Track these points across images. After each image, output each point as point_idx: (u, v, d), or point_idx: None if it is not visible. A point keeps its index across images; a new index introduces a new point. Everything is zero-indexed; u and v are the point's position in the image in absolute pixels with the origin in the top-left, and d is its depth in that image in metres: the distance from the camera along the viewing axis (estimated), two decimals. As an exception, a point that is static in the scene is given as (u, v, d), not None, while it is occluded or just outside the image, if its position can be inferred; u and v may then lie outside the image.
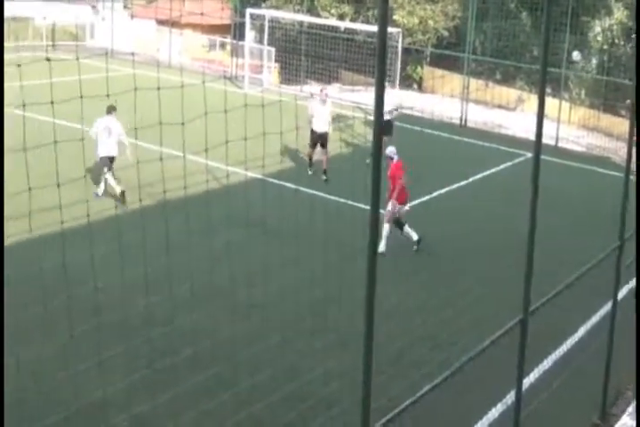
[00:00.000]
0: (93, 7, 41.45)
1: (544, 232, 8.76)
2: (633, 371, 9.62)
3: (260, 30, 34.12)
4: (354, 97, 29.82)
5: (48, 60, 6.14)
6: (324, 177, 19.31)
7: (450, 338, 11.14)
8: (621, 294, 10.64)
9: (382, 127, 4.64)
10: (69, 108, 7.75)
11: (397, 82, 28.61)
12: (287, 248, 13.74)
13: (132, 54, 31.84)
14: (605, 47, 29.57)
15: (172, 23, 36.40)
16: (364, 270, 4.80)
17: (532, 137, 7.18)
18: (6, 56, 11.20)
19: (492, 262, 14.50)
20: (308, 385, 9.97)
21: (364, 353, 5.14)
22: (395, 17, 31.80)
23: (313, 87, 30.89)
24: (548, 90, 25.84)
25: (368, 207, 4.77)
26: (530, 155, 18.99)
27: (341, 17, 33.98)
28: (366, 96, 29.53)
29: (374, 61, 4.82)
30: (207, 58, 37.08)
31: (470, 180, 20.58)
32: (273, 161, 16.16)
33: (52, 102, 7.39)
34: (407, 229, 15.39)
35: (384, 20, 4.78)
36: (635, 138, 9.62)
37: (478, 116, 28.64)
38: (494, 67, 32.18)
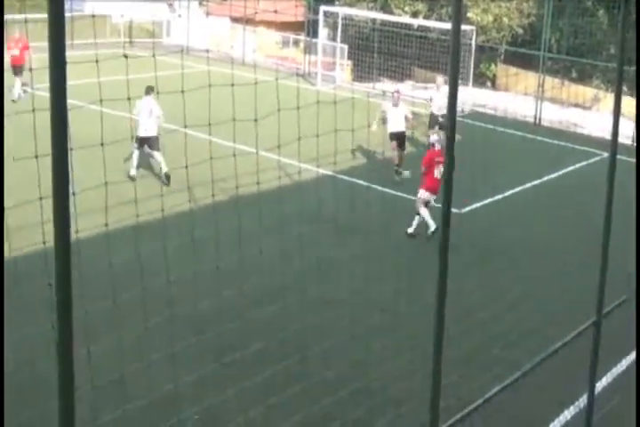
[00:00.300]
0: (170, 5, 42.07)
1: (620, 233, 8.62)
2: None
3: (334, 28, 34.17)
4: (427, 94, 29.64)
5: (125, 56, 6.24)
6: (401, 173, 19.25)
7: (521, 338, 11.01)
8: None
9: (440, 123, 4.63)
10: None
11: (471, 79, 28.40)
12: (358, 244, 13.74)
13: (207, 51, 32.20)
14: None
15: (247, 20, 36.70)
16: (435, 266, 4.78)
17: (608, 136, 7.08)
18: (85, 52, 11.42)
19: (567, 263, 14.29)
20: (376, 382, 9.96)
21: (433, 352, 5.13)
22: (469, 14, 31.55)
23: (385, 85, 30.83)
24: (625, 88, 25.36)
25: (439, 205, 4.76)
26: (606, 154, 18.74)
27: (415, 14, 33.84)
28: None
29: (447, 59, 4.80)
30: (280, 55, 37.27)
31: (545, 179, 20.32)
32: (344, 158, 16.18)
33: (128, 99, 7.52)
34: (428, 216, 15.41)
35: (458, 17, 4.76)
36: None
37: (553, 115, 28.24)
38: (570, 65, 31.70)
